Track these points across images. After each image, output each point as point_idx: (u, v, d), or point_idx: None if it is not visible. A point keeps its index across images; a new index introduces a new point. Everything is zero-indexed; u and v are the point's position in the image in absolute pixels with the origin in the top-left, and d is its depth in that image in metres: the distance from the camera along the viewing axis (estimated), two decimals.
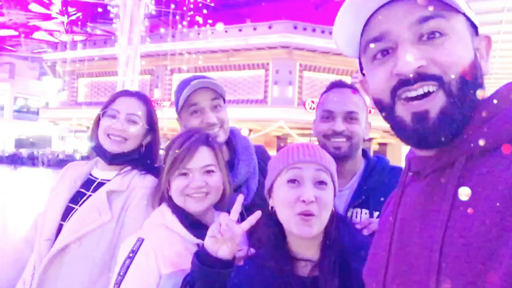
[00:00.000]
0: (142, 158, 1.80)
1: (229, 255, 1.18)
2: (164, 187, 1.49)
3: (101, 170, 1.79)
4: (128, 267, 1.27)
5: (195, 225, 1.43)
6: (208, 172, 1.46)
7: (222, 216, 1.20)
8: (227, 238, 1.16)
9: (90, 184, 1.75)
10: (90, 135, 1.79)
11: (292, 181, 1.24)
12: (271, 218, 1.30)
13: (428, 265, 0.63)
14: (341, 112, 1.67)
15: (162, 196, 1.52)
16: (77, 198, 1.72)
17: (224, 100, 1.83)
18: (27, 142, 41.62)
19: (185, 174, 1.44)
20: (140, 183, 1.70)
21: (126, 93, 1.79)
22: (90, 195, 1.71)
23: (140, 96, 1.79)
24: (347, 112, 1.67)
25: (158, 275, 1.28)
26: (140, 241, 1.32)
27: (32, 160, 33.69)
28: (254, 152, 1.90)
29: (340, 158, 1.61)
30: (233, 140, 1.88)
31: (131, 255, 1.29)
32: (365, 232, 1.43)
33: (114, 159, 1.74)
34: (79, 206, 1.68)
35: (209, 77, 1.79)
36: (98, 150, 1.76)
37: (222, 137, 1.77)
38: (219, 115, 1.75)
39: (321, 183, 1.24)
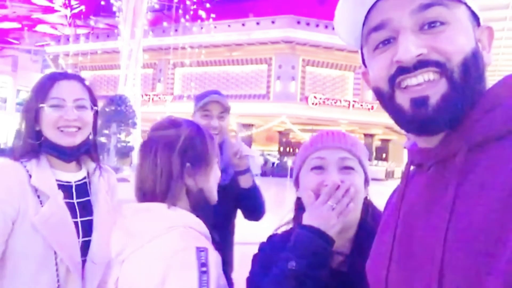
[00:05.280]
0: (93, 144, 1.67)
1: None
2: (197, 186, 1.31)
3: (65, 172, 1.56)
4: (207, 283, 1.10)
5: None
6: None
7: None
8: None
9: (68, 191, 1.53)
10: (27, 133, 1.50)
11: (316, 167, 1.18)
12: (298, 209, 1.25)
13: (431, 256, 0.63)
14: None
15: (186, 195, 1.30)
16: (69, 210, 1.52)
17: (228, 111, 2.38)
18: None
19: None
20: (113, 181, 1.74)
21: (63, 76, 1.56)
22: (80, 202, 1.56)
23: (76, 77, 1.59)
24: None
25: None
26: (204, 251, 1.14)
27: None
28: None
29: None
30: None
31: (204, 269, 1.11)
32: None
33: (73, 155, 1.56)
34: (81, 217, 1.53)
35: (222, 94, 2.38)
36: (51, 149, 1.52)
37: (218, 141, 2.04)
38: (222, 123, 2.30)
39: (347, 168, 1.17)
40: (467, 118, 0.67)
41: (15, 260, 1.38)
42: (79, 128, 1.53)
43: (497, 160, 0.60)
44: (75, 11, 36.27)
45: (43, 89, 1.50)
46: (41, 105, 1.48)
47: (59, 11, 35.75)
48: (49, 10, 35.63)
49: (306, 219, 1.10)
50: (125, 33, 22.11)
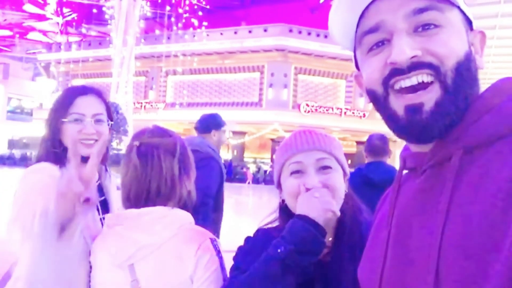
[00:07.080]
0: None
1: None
2: (186, 188, 1.46)
3: None
4: (224, 267, 1.31)
5: None
6: None
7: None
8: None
9: None
10: (51, 143, 1.69)
11: (295, 172, 1.21)
12: (283, 211, 1.28)
13: (426, 260, 0.62)
14: None
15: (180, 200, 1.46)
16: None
17: None
18: (20, 143, 41.38)
19: None
20: (115, 182, 1.88)
21: (82, 91, 1.73)
22: (100, 201, 1.73)
23: (95, 92, 1.76)
24: None
25: None
26: (216, 240, 1.36)
27: (25, 161, 33.51)
28: None
29: None
30: None
31: (220, 255, 1.33)
32: None
33: None
34: (103, 214, 1.70)
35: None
36: None
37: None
38: None
39: (325, 168, 1.20)
40: (462, 122, 0.67)
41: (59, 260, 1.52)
42: (96, 140, 1.69)
43: (491, 163, 0.60)
44: (67, 18, 36.19)
45: (64, 105, 1.69)
46: (63, 119, 1.67)
47: (51, 18, 35.65)
48: (41, 17, 35.52)
49: (301, 209, 1.13)
50: (117, 40, 22.12)
